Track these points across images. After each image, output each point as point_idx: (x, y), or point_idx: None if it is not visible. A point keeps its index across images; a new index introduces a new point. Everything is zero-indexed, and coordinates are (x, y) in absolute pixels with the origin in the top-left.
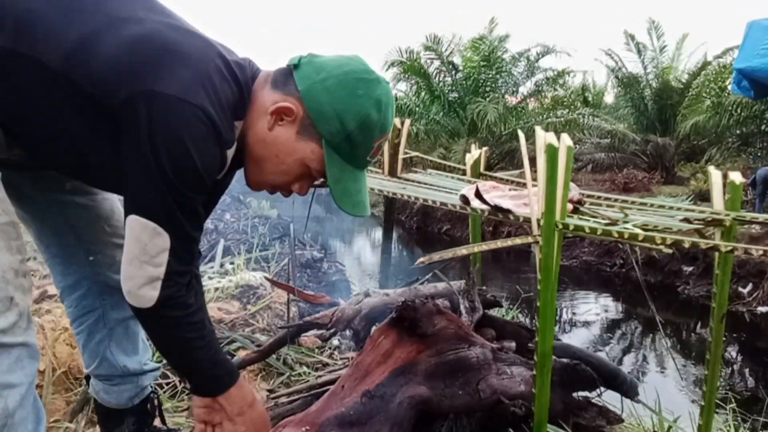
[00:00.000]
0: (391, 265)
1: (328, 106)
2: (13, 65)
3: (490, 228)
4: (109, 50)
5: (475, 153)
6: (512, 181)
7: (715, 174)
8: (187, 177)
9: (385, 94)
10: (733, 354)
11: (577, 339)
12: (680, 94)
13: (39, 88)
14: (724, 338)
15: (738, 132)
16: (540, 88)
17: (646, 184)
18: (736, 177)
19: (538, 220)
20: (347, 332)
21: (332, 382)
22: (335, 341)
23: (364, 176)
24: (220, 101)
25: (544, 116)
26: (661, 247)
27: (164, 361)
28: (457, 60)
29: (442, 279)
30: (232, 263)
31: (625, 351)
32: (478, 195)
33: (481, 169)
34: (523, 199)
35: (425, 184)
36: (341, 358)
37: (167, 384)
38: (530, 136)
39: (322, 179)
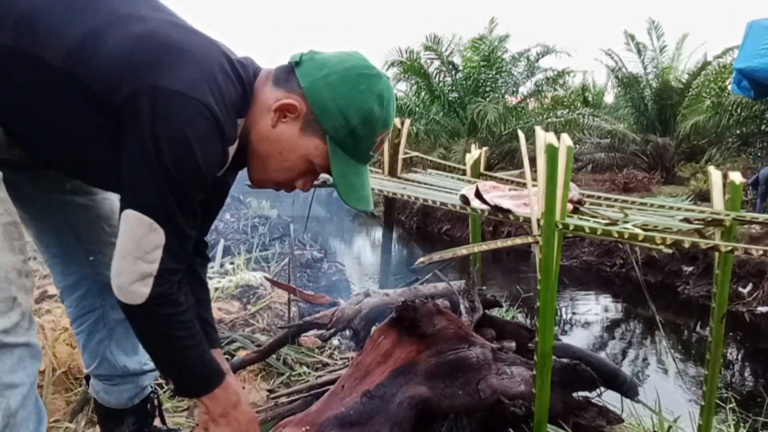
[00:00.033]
0: (391, 265)
1: (332, 101)
2: (14, 63)
3: (490, 228)
4: (113, 47)
5: (475, 153)
6: (512, 181)
7: (715, 174)
8: (188, 173)
9: (387, 88)
10: (733, 354)
11: (577, 339)
12: (680, 94)
13: (40, 87)
14: (724, 338)
15: (738, 132)
16: (540, 88)
17: (646, 184)
18: (736, 177)
19: (538, 220)
20: (347, 332)
21: (332, 382)
22: (335, 341)
23: (367, 171)
24: (224, 98)
25: (544, 116)
26: (661, 247)
27: None
28: (457, 60)
29: (442, 279)
30: (232, 263)
31: (625, 351)
32: (478, 195)
33: (481, 169)
34: (523, 199)
35: (425, 184)
36: (341, 358)
37: (167, 384)
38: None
39: (322, 180)
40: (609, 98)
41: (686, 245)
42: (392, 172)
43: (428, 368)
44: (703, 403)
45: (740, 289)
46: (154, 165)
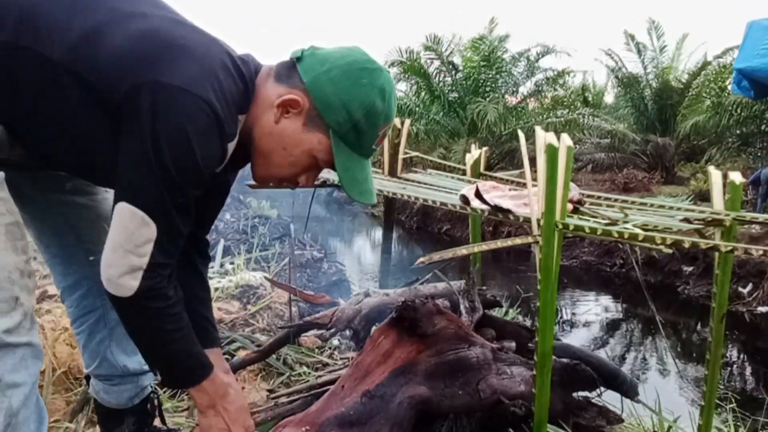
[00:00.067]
0: (391, 265)
1: (334, 96)
2: (15, 61)
3: (490, 228)
4: (115, 43)
5: (475, 153)
6: (512, 181)
7: (715, 174)
8: (186, 169)
9: (388, 82)
10: (733, 354)
11: (577, 339)
12: (680, 94)
13: (42, 84)
14: (724, 338)
15: (738, 132)
16: (540, 88)
17: (646, 184)
18: (736, 177)
19: (538, 220)
20: (347, 332)
21: (332, 382)
22: (335, 341)
23: (369, 165)
24: (225, 95)
25: (544, 116)
26: (661, 247)
27: None
28: (457, 60)
29: (442, 279)
30: (232, 263)
31: (625, 351)
32: (478, 195)
33: (481, 169)
34: (523, 199)
35: (425, 184)
36: (341, 358)
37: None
38: (530, 136)
39: (322, 180)
40: (609, 98)
41: (686, 245)
42: (392, 172)
43: (428, 368)
44: (703, 403)
45: (740, 289)
46: (150, 159)
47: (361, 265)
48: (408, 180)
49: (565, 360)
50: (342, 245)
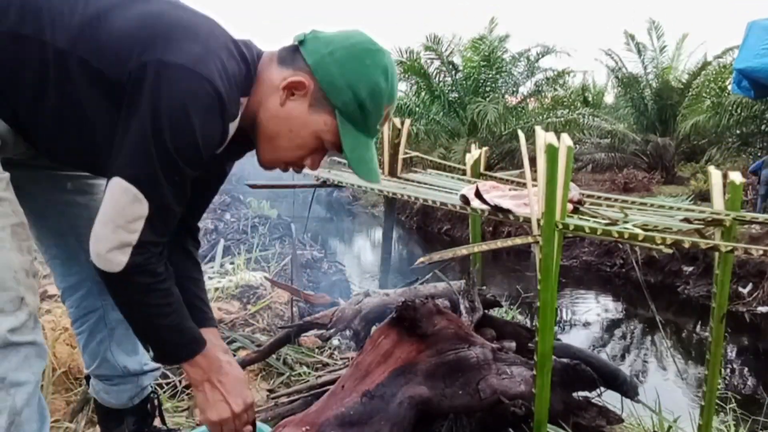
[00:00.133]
0: (391, 265)
1: (340, 76)
2: (19, 50)
3: (490, 228)
4: (118, 26)
5: (475, 153)
6: (512, 181)
7: (715, 174)
8: (185, 146)
9: (390, 63)
10: (733, 354)
11: (577, 339)
12: (680, 94)
13: (46, 72)
14: (724, 338)
15: (738, 132)
16: (540, 88)
17: (646, 184)
18: (736, 177)
19: (538, 220)
20: (347, 332)
21: (332, 382)
22: (335, 341)
23: (374, 145)
24: (228, 75)
25: (544, 116)
26: (661, 247)
27: None
28: (457, 60)
29: (442, 279)
30: (232, 263)
31: (625, 351)
32: (478, 195)
33: (481, 169)
34: (523, 199)
35: (425, 184)
36: (341, 358)
37: (167, 384)
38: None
39: (322, 180)
40: (609, 98)
41: (686, 245)
42: (392, 172)
43: (428, 368)
44: (703, 403)
45: (740, 289)
46: (149, 135)
47: (361, 265)
48: (408, 180)
49: (565, 360)
50: (342, 245)
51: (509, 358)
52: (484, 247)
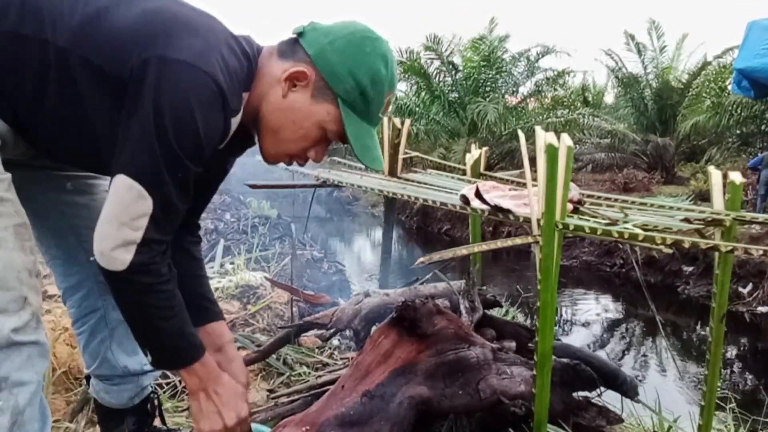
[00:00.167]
0: (391, 265)
1: (341, 65)
2: (20, 49)
3: (490, 228)
4: (118, 23)
5: (475, 153)
6: (512, 181)
7: (715, 174)
8: (187, 141)
9: (389, 50)
10: (733, 354)
11: (577, 339)
12: (680, 94)
13: (47, 70)
14: (724, 338)
15: (738, 132)
16: (540, 88)
17: (646, 184)
18: (736, 177)
19: (538, 220)
20: (347, 332)
21: (332, 382)
22: (335, 341)
23: (376, 133)
24: (229, 70)
25: (544, 116)
26: (661, 247)
27: None
28: (457, 60)
29: (442, 279)
30: (232, 263)
31: (625, 351)
32: (478, 195)
33: (481, 169)
34: (523, 199)
35: (425, 184)
36: (341, 358)
37: (167, 384)
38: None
39: (322, 180)
40: (609, 98)
41: (686, 245)
42: (392, 172)
43: (428, 368)
44: (703, 403)
45: (740, 289)
46: (152, 131)
47: (361, 265)
48: (408, 180)
49: (565, 360)
50: (342, 245)
51: (509, 358)
52: (484, 247)
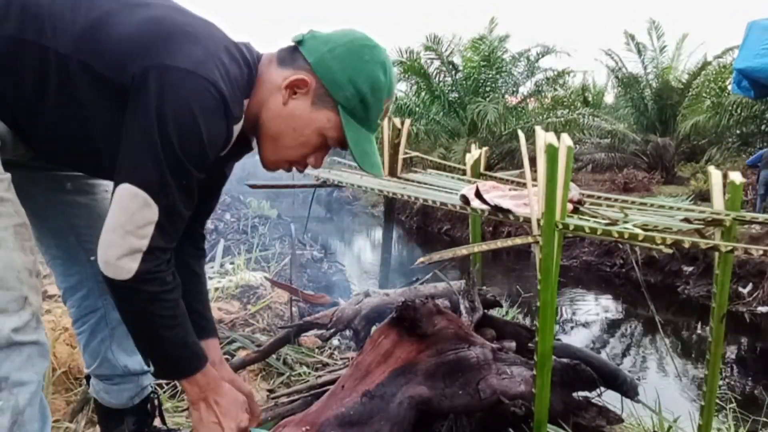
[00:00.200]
0: (391, 265)
1: (341, 73)
2: (20, 53)
3: (490, 228)
4: (120, 31)
5: (475, 153)
6: (512, 181)
7: (715, 174)
8: (192, 148)
9: (387, 58)
10: (733, 354)
11: (577, 339)
12: (680, 94)
13: (48, 76)
14: (724, 338)
15: (738, 132)
16: (540, 88)
17: (646, 184)
18: (736, 177)
19: (538, 220)
20: (347, 332)
21: (332, 382)
22: (335, 341)
23: (374, 139)
24: (230, 78)
25: (544, 116)
26: (661, 247)
27: None
28: (457, 60)
29: (442, 279)
30: (232, 263)
31: (625, 351)
32: (478, 195)
33: (481, 169)
34: (523, 199)
35: (425, 184)
36: (341, 358)
37: (167, 384)
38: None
39: (322, 180)
40: (609, 98)
41: (686, 245)
42: (392, 172)
43: (428, 368)
44: (703, 403)
45: (740, 289)
46: (156, 139)
47: (361, 265)
48: (408, 180)
49: (565, 360)
50: (342, 245)
51: (509, 358)
52: (484, 247)
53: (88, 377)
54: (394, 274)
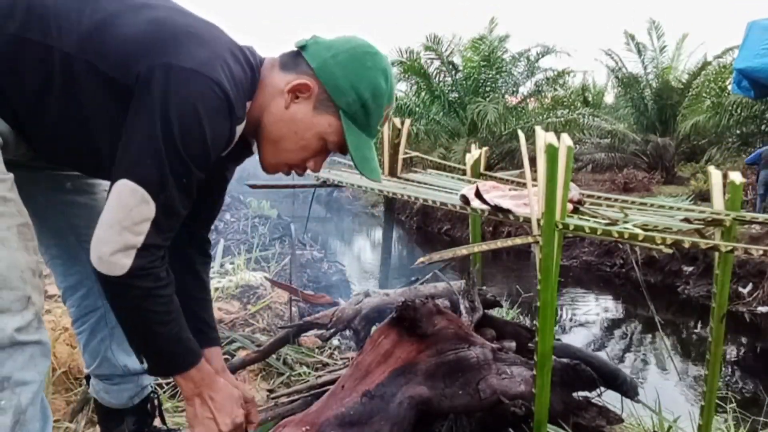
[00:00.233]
0: (391, 265)
1: (343, 78)
2: (24, 52)
3: (490, 228)
4: (125, 32)
5: (475, 153)
6: (512, 181)
7: (715, 174)
8: (195, 147)
9: (388, 65)
10: (733, 354)
11: (577, 339)
12: (680, 94)
13: (52, 76)
14: (724, 338)
15: (738, 132)
16: (540, 88)
17: (646, 184)
18: (736, 177)
19: (538, 220)
20: (347, 332)
21: (332, 382)
22: (335, 341)
23: (374, 145)
24: (234, 78)
25: (544, 116)
26: (661, 247)
27: None
28: (457, 60)
29: (442, 279)
30: (232, 263)
31: (625, 351)
32: (478, 195)
33: (481, 169)
34: (523, 199)
35: (425, 184)
36: (341, 358)
37: (167, 384)
38: (530, 136)
39: (322, 180)
40: (609, 98)
41: (686, 245)
42: (392, 172)
43: (428, 368)
44: (703, 403)
45: (740, 289)
46: (159, 137)
47: (361, 265)
48: (408, 180)
49: (565, 360)
50: (342, 245)
51: (509, 358)
52: (484, 247)
53: (88, 377)
54: (394, 274)
